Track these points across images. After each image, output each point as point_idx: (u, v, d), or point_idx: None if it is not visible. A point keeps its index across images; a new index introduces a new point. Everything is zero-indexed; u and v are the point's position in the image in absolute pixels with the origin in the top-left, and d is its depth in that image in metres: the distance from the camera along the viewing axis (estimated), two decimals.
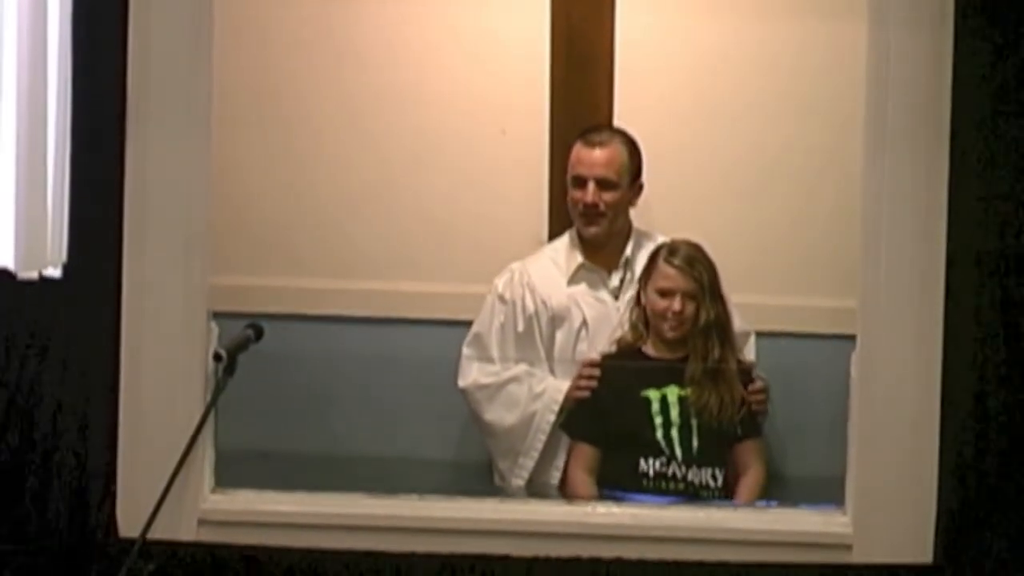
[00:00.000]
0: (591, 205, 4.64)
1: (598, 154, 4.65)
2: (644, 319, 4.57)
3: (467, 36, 5.14)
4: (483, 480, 4.66)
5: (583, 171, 4.65)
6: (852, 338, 3.55)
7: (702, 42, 5.10)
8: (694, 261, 4.50)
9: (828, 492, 3.70)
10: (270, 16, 5.11)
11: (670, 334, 4.50)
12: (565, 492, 4.52)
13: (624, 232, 4.72)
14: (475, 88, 5.14)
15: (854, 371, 3.56)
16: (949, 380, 3.44)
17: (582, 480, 4.49)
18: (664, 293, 4.50)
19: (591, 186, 4.63)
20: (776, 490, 4.51)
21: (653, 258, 4.55)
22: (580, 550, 3.58)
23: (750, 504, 4.38)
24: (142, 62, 3.48)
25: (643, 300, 4.56)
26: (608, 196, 4.64)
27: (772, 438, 4.72)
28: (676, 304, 4.48)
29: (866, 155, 3.49)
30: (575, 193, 4.67)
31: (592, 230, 4.67)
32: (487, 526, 3.62)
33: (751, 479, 4.49)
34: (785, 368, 4.71)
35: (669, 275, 4.49)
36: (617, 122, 4.86)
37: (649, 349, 4.56)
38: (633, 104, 4.93)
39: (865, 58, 3.51)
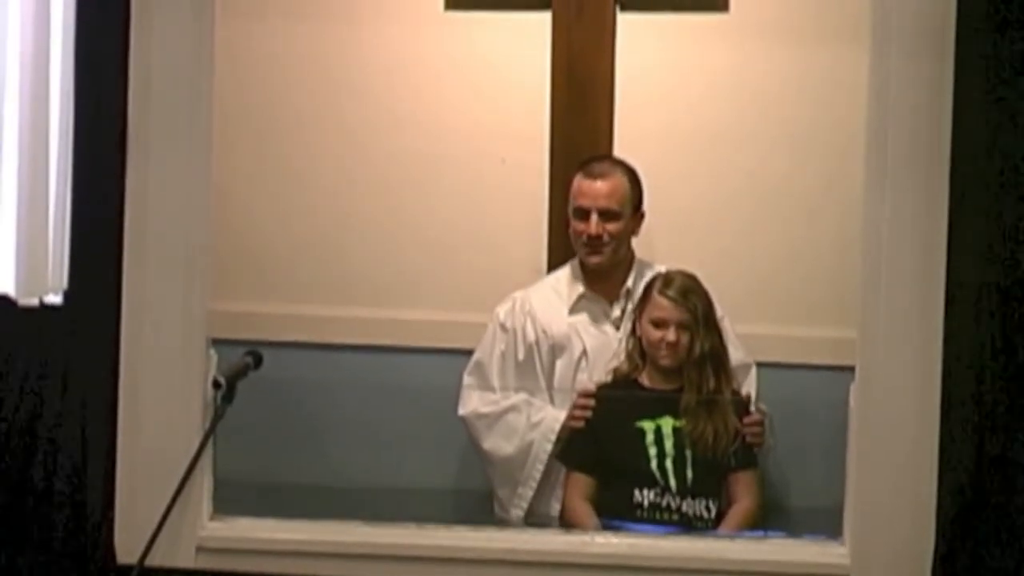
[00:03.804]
0: (595, 236, 4.64)
1: (600, 185, 4.66)
2: (640, 350, 4.57)
3: (467, 65, 5.16)
4: (484, 510, 4.64)
5: (585, 203, 4.65)
6: (851, 369, 3.55)
7: (702, 72, 5.11)
8: (688, 292, 4.50)
9: (828, 522, 3.69)
10: (270, 44, 5.12)
11: (664, 362, 4.50)
12: (565, 523, 4.51)
13: (626, 262, 4.72)
14: (475, 117, 5.15)
15: (853, 402, 3.55)
16: (948, 411, 3.43)
17: (582, 509, 4.48)
18: (658, 324, 4.50)
19: (594, 217, 4.63)
20: (776, 520, 4.49)
21: (648, 289, 4.56)
22: None
23: (738, 534, 4.37)
24: (143, 89, 3.49)
25: (638, 331, 4.56)
26: (611, 226, 4.65)
27: (771, 469, 4.71)
28: (671, 335, 4.48)
29: (866, 184, 3.49)
30: (578, 224, 4.68)
31: (595, 260, 4.67)
32: (484, 555, 3.61)
33: (739, 510, 4.48)
34: (784, 398, 4.69)
35: (663, 306, 4.50)
36: (617, 152, 4.86)
37: (644, 380, 4.56)
38: (633, 134, 4.93)
39: (865, 87, 3.51)
